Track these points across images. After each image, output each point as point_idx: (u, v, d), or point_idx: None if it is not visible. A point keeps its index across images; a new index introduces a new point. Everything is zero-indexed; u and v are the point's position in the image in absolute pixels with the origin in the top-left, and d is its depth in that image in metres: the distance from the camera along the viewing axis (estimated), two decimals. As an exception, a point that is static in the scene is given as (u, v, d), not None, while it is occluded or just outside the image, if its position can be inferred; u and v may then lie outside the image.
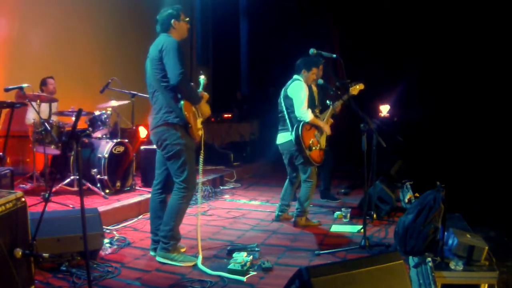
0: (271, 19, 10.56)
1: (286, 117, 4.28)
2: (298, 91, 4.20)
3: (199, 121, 3.34)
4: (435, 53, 9.07)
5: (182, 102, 3.15)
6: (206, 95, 3.49)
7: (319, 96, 4.65)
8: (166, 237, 3.24)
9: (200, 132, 3.36)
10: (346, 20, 10.29)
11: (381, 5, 9.45)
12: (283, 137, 4.35)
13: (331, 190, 5.71)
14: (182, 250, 3.51)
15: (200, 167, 3.49)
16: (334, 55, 3.80)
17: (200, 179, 3.47)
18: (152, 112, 3.28)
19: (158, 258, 3.27)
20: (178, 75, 3.04)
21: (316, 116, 4.28)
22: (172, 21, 3.26)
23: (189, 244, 3.63)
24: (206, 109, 3.42)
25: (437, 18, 8.95)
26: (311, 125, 4.23)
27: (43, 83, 5.54)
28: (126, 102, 5.51)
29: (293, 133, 4.16)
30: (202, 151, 3.44)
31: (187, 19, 3.38)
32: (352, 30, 10.00)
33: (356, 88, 4.41)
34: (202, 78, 3.56)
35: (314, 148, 4.19)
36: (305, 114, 4.14)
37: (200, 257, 3.29)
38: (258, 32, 10.90)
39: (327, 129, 4.37)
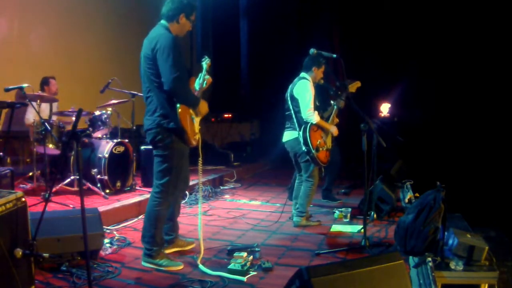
0: (271, 19, 10.54)
1: (293, 116, 4.27)
2: (303, 91, 4.19)
3: (196, 124, 3.21)
4: (436, 53, 9.06)
5: (178, 105, 3.00)
6: (209, 79, 3.35)
7: (319, 96, 4.64)
8: (149, 243, 3.15)
9: (197, 137, 3.21)
10: (346, 20, 10.28)
11: (381, 5, 9.44)
12: (289, 135, 4.35)
13: (332, 190, 5.71)
14: (193, 245, 3.52)
15: (200, 174, 3.45)
16: (334, 55, 3.80)
17: (200, 184, 3.43)
18: (146, 113, 3.14)
19: (143, 263, 3.20)
20: (172, 80, 2.86)
21: (321, 117, 4.28)
22: (181, 14, 3.06)
23: (189, 244, 3.64)
24: (204, 108, 3.24)
25: (438, 18, 8.94)
26: (318, 127, 4.23)
27: (45, 82, 5.52)
28: (126, 100, 5.51)
29: (301, 133, 4.16)
30: (200, 158, 3.34)
31: (193, 20, 3.16)
32: (352, 30, 9.98)
33: (353, 86, 4.41)
34: (205, 62, 3.41)
35: (321, 149, 4.19)
36: (311, 116, 4.13)
37: (200, 257, 3.29)
38: (258, 32, 10.88)
39: (334, 130, 4.38)
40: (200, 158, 3.36)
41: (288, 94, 4.35)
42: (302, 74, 4.36)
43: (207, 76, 3.38)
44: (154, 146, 3.15)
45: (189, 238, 3.74)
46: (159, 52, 2.92)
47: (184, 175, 3.28)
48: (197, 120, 3.25)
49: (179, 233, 3.58)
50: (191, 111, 3.16)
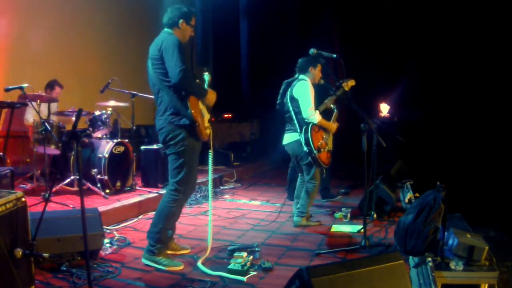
0: (271, 19, 10.55)
1: (294, 118, 4.25)
2: (303, 92, 4.17)
3: (206, 119, 3.28)
4: (436, 53, 9.06)
5: (187, 101, 3.08)
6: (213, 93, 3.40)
7: (319, 96, 4.63)
8: (153, 239, 3.19)
9: (208, 131, 3.29)
10: (346, 20, 10.28)
11: (381, 5, 9.44)
12: (290, 138, 4.32)
13: (331, 189, 5.71)
14: (187, 251, 3.51)
15: (210, 167, 3.46)
16: (334, 55, 3.79)
17: (210, 179, 3.46)
18: (157, 113, 3.21)
19: (144, 260, 3.22)
20: (178, 73, 2.97)
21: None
22: (181, 21, 3.21)
23: (190, 244, 3.64)
24: (211, 96, 3.34)
25: (438, 18, 8.94)
26: (319, 127, 4.23)
27: (51, 86, 5.53)
28: (125, 104, 5.51)
29: (303, 135, 4.15)
30: (211, 150, 3.39)
31: (193, 25, 3.31)
32: (352, 30, 9.98)
33: (348, 84, 4.40)
34: (206, 74, 3.49)
35: (322, 150, 4.18)
36: (313, 116, 4.12)
37: (204, 257, 3.29)
38: (258, 32, 10.88)
39: (333, 128, 4.37)
40: (211, 150, 3.40)
41: (287, 97, 4.32)
42: (301, 76, 4.34)
43: (210, 90, 3.41)
44: (166, 145, 3.20)
45: (189, 237, 3.73)
46: (165, 51, 3.05)
47: (193, 175, 3.30)
48: (206, 116, 3.30)
49: (174, 237, 3.55)
50: (200, 105, 3.22)
